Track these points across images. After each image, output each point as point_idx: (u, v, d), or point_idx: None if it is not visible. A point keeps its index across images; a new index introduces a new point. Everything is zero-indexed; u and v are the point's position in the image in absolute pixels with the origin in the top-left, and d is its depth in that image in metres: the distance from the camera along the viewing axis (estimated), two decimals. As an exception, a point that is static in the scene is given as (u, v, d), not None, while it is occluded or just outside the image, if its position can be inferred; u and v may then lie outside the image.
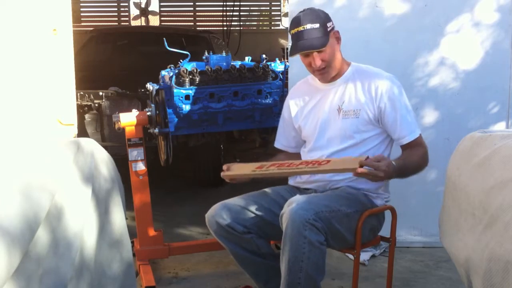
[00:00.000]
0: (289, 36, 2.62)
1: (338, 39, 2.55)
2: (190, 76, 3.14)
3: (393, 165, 2.36)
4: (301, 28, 2.46)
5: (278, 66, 3.38)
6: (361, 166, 2.27)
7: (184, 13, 10.34)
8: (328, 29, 2.49)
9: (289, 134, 2.75)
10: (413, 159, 2.50)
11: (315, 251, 2.25)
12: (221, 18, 9.15)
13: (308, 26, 2.45)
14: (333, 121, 2.56)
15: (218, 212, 2.51)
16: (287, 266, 2.27)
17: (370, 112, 2.51)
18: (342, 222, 2.36)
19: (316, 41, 2.45)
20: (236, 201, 2.56)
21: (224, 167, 2.55)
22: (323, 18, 2.50)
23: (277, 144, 2.82)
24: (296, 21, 2.50)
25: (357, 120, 2.51)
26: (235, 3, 9.00)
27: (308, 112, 2.64)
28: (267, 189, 2.65)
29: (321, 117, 2.59)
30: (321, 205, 2.30)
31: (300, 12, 2.53)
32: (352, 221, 2.41)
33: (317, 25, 2.46)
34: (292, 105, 2.71)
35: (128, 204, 2.40)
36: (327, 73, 2.53)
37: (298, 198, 2.33)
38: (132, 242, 2.92)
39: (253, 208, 2.52)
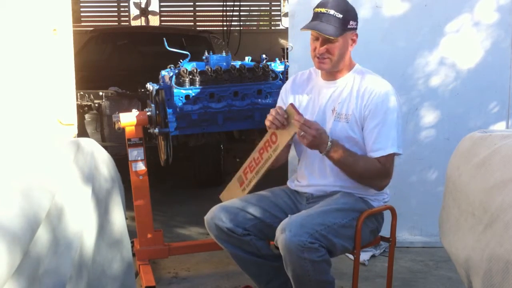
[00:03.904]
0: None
1: (353, 41, 2.48)
2: (190, 76, 3.14)
3: (326, 138, 2.36)
4: (324, 10, 2.41)
5: (278, 66, 3.39)
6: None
7: (184, 13, 10.34)
8: (348, 26, 2.43)
9: None
10: (359, 162, 2.42)
11: (319, 264, 2.26)
12: (221, 18, 9.15)
13: (332, 11, 2.40)
14: (326, 121, 2.51)
15: (217, 215, 2.51)
16: (295, 281, 2.31)
17: (358, 118, 2.45)
18: (339, 233, 2.34)
19: (330, 29, 2.40)
20: (234, 203, 2.55)
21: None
22: (350, 14, 2.45)
23: None
24: (324, 2, 2.44)
25: (347, 125, 2.46)
26: (235, 3, 9.00)
27: (305, 107, 2.58)
28: (265, 191, 2.65)
29: (316, 114, 2.54)
30: (314, 225, 2.27)
31: None
32: (349, 230, 2.39)
33: (340, 16, 2.40)
34: (290, 94, 2.64)
35: (128, 204, 2.40)
36: (325, 64, 2.46)
37: (290, 223, 2.27)
38: (132, 242, 2.93)
39: (251, 210, 2.51)
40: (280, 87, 3.24)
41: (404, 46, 3.54)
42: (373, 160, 2.43)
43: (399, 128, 2.46)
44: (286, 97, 2.65)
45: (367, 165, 2.43)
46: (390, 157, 2.44)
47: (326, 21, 2.40)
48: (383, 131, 2.42)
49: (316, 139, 2.35)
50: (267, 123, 2.51)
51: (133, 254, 2.60)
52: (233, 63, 3.32)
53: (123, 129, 3.11)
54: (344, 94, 2.50)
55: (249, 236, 2.49)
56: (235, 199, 2.58)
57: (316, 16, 2.44)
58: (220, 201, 2.67)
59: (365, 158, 2.44)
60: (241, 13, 9.25)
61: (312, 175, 2.57)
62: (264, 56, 3.41)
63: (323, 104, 2.54)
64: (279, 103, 2.68)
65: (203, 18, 10.23)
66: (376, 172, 2.43)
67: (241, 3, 9.12)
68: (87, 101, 4.58)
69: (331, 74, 2.54)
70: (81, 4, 9.83)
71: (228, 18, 9.06)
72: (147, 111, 3.11)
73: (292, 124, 2.42)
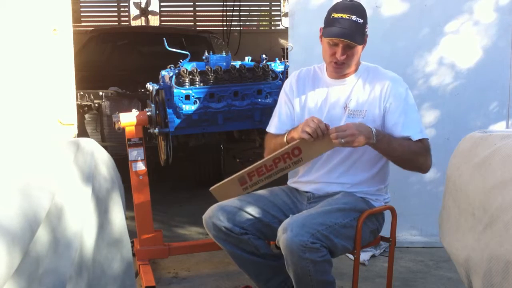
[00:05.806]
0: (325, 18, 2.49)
1: (365, 43, 2.51)
2: (190, 76, 3.14)
3: (367, 127, 2.33)
4: (346, 16, 2.38)
5: (278, 66, 3.39)
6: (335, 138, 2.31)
7: (184, 13, 10.34)
8: (366, 30, 2.46)
9: (286, 118, 2.61)
10: (403, 143, 2.41)
11: (320, 265, 2.26)
12: (221, 18, 9.15)
13: (354, 17, 2.39)
14: (338, 119, 2.48)
15: (215, 214, 2.51)
16: (296, 281, 2.31)
17: (376, 113, 2.45)
18: (340, 234, 2.34)
19: (357, 36, 2.40)
20: (232, 202, 2.55)
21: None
22: (366, 18, 2.46)
23: (272, 129, 2.66)
24: (343, 7, 2.42)
25: (363, 120, 2.44)
26: (235, 3, 9.01)
27: (313, 105, 2.55)
28: (264, 191, 2.64)
29: (326, 112, 2.51)
30: (315, 224, 2.27)
31: (349, 0, 2.47)
32: (350, 230, 2.39)
33: (361, 21, 2.41)
34: (296, 90, 2.60)
35: (128, 204, 2.40)
36: (342, 69, 2.47)
37: (291, 223, 2.27)
38: (132, 242, 2.93)
39: (250, 209, 2.51)
40: (280, 87, 3.25)
41: (404, 46, 3.54)
42: (411, 141, 2.43)
43: (418, 113, 2.55)
44: (291, 93, 2.61)
45: (411, 146, 2.42)
46: (426, 141, 2.47)
47: (350, 28, 2.38)
48: (410, 118, 2.45)
49: (360, 133, 2.30)
50: (304, 135, 2.36)
51: (133, 254, 2.60)
52: (233, 63, 3.33)
53: (123, 129, 3.11)
54: (355, 91, 2.50)
55: (247, 235, 2.49)
56: (234, 199, 2.58)
57: (338, 21, 2.39)
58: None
59: (406, 140, 2.44)
60: (241, 13, 9.26)
61: (316, 170, 2.56)
62: (264, 56, 3.41)
63: (332, 102, 2.52)
64: (282, 98, 2.64)
65: (203, 18, 10.23)
66: (420, 151, 2.43)
67: (241, 3, 9.13)
68: (87, 101, 4.58)
69: None
70: (81, 4, 9.83)
71: (228, 18, 9.07)
72: (147, 111, 3.11)
73: (322, 141, 2.37)
